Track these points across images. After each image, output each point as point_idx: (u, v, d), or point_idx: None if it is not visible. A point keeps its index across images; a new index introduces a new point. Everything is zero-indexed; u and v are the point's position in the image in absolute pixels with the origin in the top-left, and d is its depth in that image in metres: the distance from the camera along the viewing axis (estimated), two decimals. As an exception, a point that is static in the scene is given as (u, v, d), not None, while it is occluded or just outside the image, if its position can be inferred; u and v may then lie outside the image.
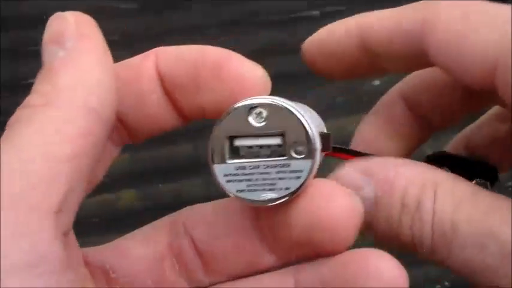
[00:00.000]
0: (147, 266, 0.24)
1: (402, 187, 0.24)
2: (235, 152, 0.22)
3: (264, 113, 0.22)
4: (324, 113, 0.52)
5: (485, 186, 0.28)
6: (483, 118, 0.30)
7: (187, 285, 0.24)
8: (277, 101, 0.22)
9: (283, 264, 0.24)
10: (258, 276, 0.24)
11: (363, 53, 0.27)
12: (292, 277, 0.23)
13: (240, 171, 0.22)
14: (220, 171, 0.22)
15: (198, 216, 0.25)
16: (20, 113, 0.20)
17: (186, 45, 0.24)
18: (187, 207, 0.25)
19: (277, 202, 0.22)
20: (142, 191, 0.49)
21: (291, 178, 0.22)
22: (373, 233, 0.24)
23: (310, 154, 0.22)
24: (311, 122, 0.22)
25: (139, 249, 0.25)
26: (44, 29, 0.22)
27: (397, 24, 0.26)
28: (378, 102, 0.31)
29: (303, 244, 0.23)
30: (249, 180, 0.22)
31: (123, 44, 0.63)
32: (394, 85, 0.45)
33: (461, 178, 0.24)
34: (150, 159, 0.50)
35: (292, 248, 0.23)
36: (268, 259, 0.24)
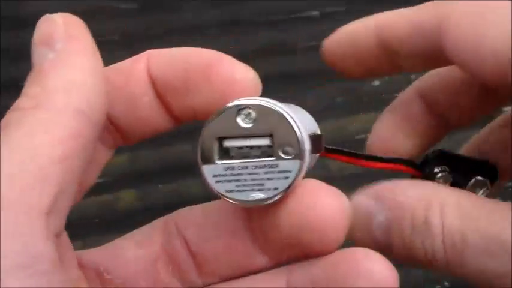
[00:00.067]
0: (141, 267, 0.24)
1: (410, 209, 0.24)
2: (224, 153, 0.22)
3: (253, 114, 0.22)
4: (323, 113, 0.52)
5: (485, 185, 0.28)
6: (492, 124, 0.31)
7: (181, 286, 0.25)
8: (265, 102, 0.22)
9: (275, 264, 0.24)
10: (250, 277, 0.24)
11: (381, 51, 0.27)
12: (284, 277, 0.24)
13: (228, 172, 0.22)
14: (209, 171, 0.22)
15: (190, 218, 0.25)
16: (10, 116, 0.20)
17: (177, 47, 0.24)
18: (181, 208, 0.26)
19: (265, 202, 0.22)
20: (142, 191, 0.49)
21: (279, 178, 0.22)
22: (392, 256, 0.25)
23: (298, 155, 0.22)
24: (300, 123, 0.22)
25: (133, 250, 0.25)
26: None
27: (415, 21, 0.26)
28: (395, 100, 0.31)
29: (292, 245, 0.23)
30: (237, 180, 0.22)
31: (123, 44, 0.63)
32: (393, 86, 0.45)
33: (465, 192, 0.24)
34: (150, 160, 0.50)
35: (282, 249, 0.23)
36: (260, 260, 0.24)
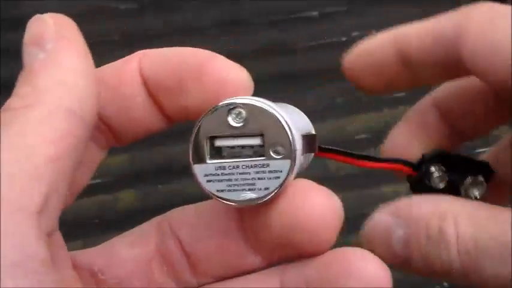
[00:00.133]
0: (136, 267, 0.24)
1: (425, 221, 0.25)
2: (216, 152, 0.22)
3: (244, 113, 0.22)
4: (323, 113, 0.52)
5: (480, 184, 0.29)
6: (502, 142, 0.31)
7: (175, 286, 0.25)
8: (256, 101, 0.22)
9: (268, 264, 0.24)
10: (243, 277, 0.24)
11: (400, 63, 0.28)
12: (278, 278, 0.24)
13: (220, 171, 0.22)
14: (200, 171, 0.22)
15: (183, 218, 0.25)
16: (1, 116, 0.20)
17: (169, 47, 0.24)
18: (175, 208, 0.26)
19: (256, 202, 0.22)
20: (141, 191, 0.49)
21: (270, 178, 0.22)
22: (412, 270, 0.25)
23: (289, 154, 0.22)
24: (292, 122, 0.22)
25: (128, 250, 0.25)
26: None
27: (433, 31, 0.27)
28: (412, 109, 0.31)
29: (284, 245, 0.23)
30: (229, 180, 0.22)
31: (123, 44, 0.63)
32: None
33: (478, 202, 0.25)
34: (150, 160, 0.50)
35: (274, 249, 0.23)
36: (253, 260, 0.24)
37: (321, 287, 0.22)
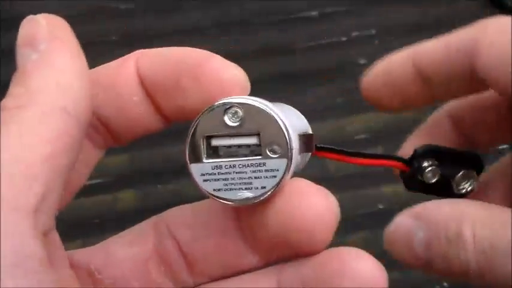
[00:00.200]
0: (133, 267, 0.24)
1: (445, 223, 0.25)
2: (212, 152, 0.22)
3: (240, 113, 0.22)
4: (323, 113, 0.53)
5: (472, 177, 0.29)
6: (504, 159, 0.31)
7: (173, 285, 0.25)
8: (252, 101, 0.22)
9: (266, 264, 0.24)
10: (240, 276, 0.24)
11: (418, 81, 0.28)
12: (275, 277, 0.24)
13: (216, 171, 0.22)
14: (197, 170, 0.22)
15: (181, 217, 0.25)
16: None
17: (166, 47, 0.24)
18: (172, 208, 0.26)
19: (253, 201, 0.22)
20: (141, 191, 0.49)
21: (266, 177, 0.22)
22: (434, 272, 0.26)
23: (285, 153, 0.22)
24: (288, 121, 0.22)
25: (125, 250, 0.25)
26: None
27: (449, 45, 0.27)
28: (427, 120, 0.32)
29: (280, 244, 0.23)
30: (225, 179, 0.22)
31: (123, 44, 0.63)
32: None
33: (495, 205, 0.25)
34: (149, 160, 0.50)
35: (272, 248, 0.23)
36: (251, 259, 0.24)
37: (317, 286, 0.22)
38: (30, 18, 0.22)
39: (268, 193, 0.22)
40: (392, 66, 0.29)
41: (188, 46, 0.24)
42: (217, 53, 0.24)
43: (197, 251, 0.24)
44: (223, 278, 0.24)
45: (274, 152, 0.22)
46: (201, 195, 0.24)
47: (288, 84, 0.55)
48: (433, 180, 0.29)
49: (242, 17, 0.59)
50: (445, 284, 0.44)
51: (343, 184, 0.48)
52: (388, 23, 0.57)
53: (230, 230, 0.24)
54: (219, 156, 0.22)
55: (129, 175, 0.50)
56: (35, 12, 0.23)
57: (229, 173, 0.22)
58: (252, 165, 0.22)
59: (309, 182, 0.23)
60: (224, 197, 0.22)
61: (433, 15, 0.58)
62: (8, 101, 0.21)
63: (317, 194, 0.22)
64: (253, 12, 0.59)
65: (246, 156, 0.22)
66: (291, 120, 0.23)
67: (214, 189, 0.22)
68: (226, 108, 0.22)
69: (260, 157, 0.22)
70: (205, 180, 0.22)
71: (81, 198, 0.48)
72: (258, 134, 0.22)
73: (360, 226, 0.46)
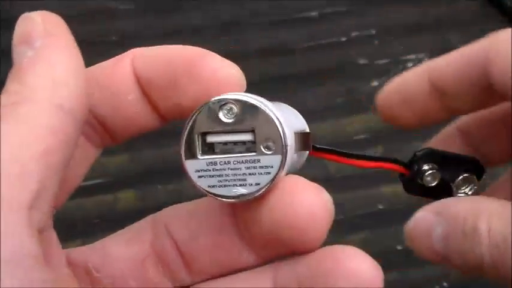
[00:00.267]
0: (130, 266, 0.25)
1: (462, 218, 0.26)
2: (207, 148, 0.22)
3: (235, 109, 0.22)
4: (323, 113, 0.52)
5: (472, 181, 0.29)
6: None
7: (171, 284, 0.25)
8: (246, 97, 0.22)
9: (263, 262, 0.24)
10: (237, 275, 0.24)
11: (434, 95, 0.29)
12: (271, 275, 0.24)
13: (211, 167, 0.22)
14: (191, 167, 0.22)
15: (178, 216, 0.25)
16: None
17: (162, 45, 0.24)
18: (169, 206, 0.26)
19: (247, 198, 0.22)
20: (141, 191, 0.49)
21: (261, 174, 0.22)
22: (451, 267, 0.26)
23: (279, 150, 0.22)
24: (283, 118, 0.22)
25: (122, 249, 0.25)
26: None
27: (463, 57, 0.28)
28: (439, 133, 0.33)
29: (275, 241, 0.23)
30: (220, 175, 0.22)
31: (122, 44, 0.63)
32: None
33: (508, 202, 0.26)
34: (149, 160, 0.50)
35: (267, 246, 0.24)
36: (248, 257, 0.24)
37: (312, 285, 0.22)
38: (25, 16, 0.22)
39: (263, 190, 0.22)
40: (408, 82, 0.30)
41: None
42: (217, 53, 0.24)
43: (194, 249, 0.24)
44: (220, 276, 0.24)
45: (269, 149, 0.22)
46: (200, 196, 0.24)
47: (288, 84, 0.55)
48: (433, 184, 0.29)
49: (242, 17, 0.59)
50: (445, 284, 0.44)
51: (343, 184, 0.48)
52: (388, 23, 0.57)
53: (227, 228, 0.24)
54: (214, 153, 0.22)
55: (129, 175, 0.50)
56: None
57: (224, 170, 0.22)
58: (246, 161, 0.22)
59: (303, 179, 0.23)
60: (219, 193, 0.22)
61: (433, 15, 0.58)
62: (3, 97, 0.21)
63: (310, 191, 0.22)
64: (253, 12, 0.59)
65: (241, 153, 0.22)
66: (288, 118, 0.23)
67: (209, 186, 0.22)
68: (221, 104, 0.22)
69: (255, 153, 0.22)
70: (200, 177, 0.22)
71: (81, 198, 0.48)
72: (253, 131, 0.22)
73: (360, 226, 0.46)
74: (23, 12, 0.22)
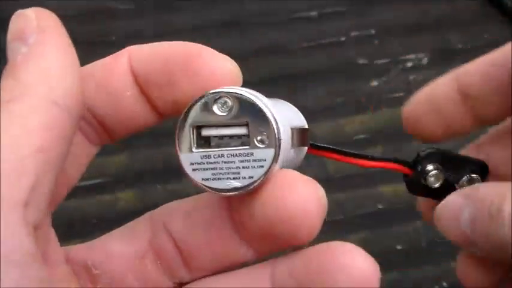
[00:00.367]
0: (129, 263, 0.25)
1: (489, 201, 0.26)
2: (202, 141, 0.23)
3: (229, 103, 0.22)
4: (323, 113, 0.52)
5: (477, 181, 0.29)
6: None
7: (170, 281, 0.25)
8: (240, 91, 0.22)
9: (261, 256, 0.24)
10: (234, 272, 0.24)
11: (464, 104, 0.29)
12: (269, 271, 0.24)
13: (205, 160, 0.22)
14: (186, 159, 0.23)
15: (175, 212, 0.25)
16: None
17: (158, 42, 0.24)
18: (166, 203, 0.26)
19: (240, 191, 0.22)
20: (141, 191, 0.49)
21: (254, 167, 0.22)
22: (478, 250, 0.27)
23: (272, 143, 0.22)
24: (278, 113, 0.22)
25: (121, 246, 0.25)
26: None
27: (490, 61, 0.28)
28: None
29: (268, 236, 0.23)
30: (214, 169, 0.22)
31: (122, 44, 0.63)
32: (392, 86, 0.45)
33: None
34: (149, 160, 0.50)
35: (262, 240, 0.24)
36: (245, 252, 0.24)
37: (309, 281, 0.23)
38: (19, 12, 0.22)
39: (256, 183, 0.22)
40: (436, 92, 0.30)
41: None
42: (217, 53, 0.24)
43: (192, 245, 0.24)
44: (219, 272, 0.24)
45: (262, 142, 0.22)
46: (197, 192, 0.24)
47: (288, 84, 0.55)
48: (437, 185, 0.29)
49: (242, 17, 0.59)
50: (445, 284, 0.44)
51: (343, 184, 0.48)
52: (387, 23, 0.57)
53: (224, 224, 0.24)
54: (208, 146, 0.23)
55: (129, 175, 0.50)
56: (35, 11, 0.23)
57: (218, 163, 0.22)
58: (240, 155, 0.22)
59: (296, 173, 0.23)
60: (213, 186, 0.22)
61: (433, 15, 0.58)
62: None
63: (302, 184, 0.22)
64: (253, 12, 0.59)
65: (236, 147, 0.22)
66: (284, 114, 0.23)
67: (203, 179, 0.22)
68: (216, 98, 0.22)
69: (248, 147, 0.22)
70: (194, 170, 0.23)
71: (80, 198, 0.48)
72: (247, 125, 0.22)
73: (360, 226, 0.46)
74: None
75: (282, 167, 0.23)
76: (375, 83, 0.54)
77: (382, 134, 0.52)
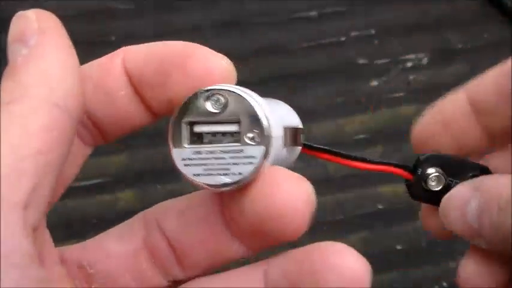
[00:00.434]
0: (124, 262, 0.25)
1: (498, 192, 0.26)
2: (194, 137, 0.23)
3: (222, 100, 0.23)
4: (323, 113, 0.52)
5: None
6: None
7: (164, 279, 0.25)
8: (233, 88, 0.23)
9: (254, 253, 0.25)
10: (228, 272, 0.25)
11: (476, 121, 0.29)
12: (262, 271, 0.24)
13: (196, 156, 0.23)
14: (178, 155, 0.23)
15: (168, 211, 0.25)
16: None
17: (153, 42, 0.24)
18: (160, 202, 0.26)
19: (230, 187, 0.23)
20: (141, 191, 0.49)
21: (244, 164, 0.22)
22: (483, 241, 0.26)
23: (262, 141, 0.22)
24: (270, 111, 0.23)
25: (116, 245, 0.25)
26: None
27: (501, 75, 0.28)
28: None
29: (258, 232, 0.23)
30: (205, 164, 0.23)
31: (122, 44, 0.63)
32: (392, 86, 0.45)
33: None
34: (149, 160, 0.50)
35: (254, 237, 0.24)
36: (237, 249, 0.24)
37: (301, 280, 0.23)
38: (20, 14, 0.22)
39: (245, 179, 0.22)
40: (447, 110, 0.29)
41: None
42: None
43: (185, 243, 0.24)
44: (212, 269, 0.25)
45: (253, 140, 0.23)
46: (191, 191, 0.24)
47: (288, 84, 0.55)
48: (438, 188, 0.29)
49: (242, 17, 0.59)
50: (445, 284, 0.44)
51: (343, 184, 0.48)
52: (387, 23, 0.57)
53: (216, 221, 0.24)
54: (200, 142, 0.23)
55: (129, 175, 0.50)
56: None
57: (209, 159, 0.23)
58: (230, 151, 0.23)
59: (285, 169, 0.23)
60: (203, 181, 0.23)
61: (433, 15, 0.58)
62: None
63: (290, 181, 0.22)
64: (253, 12, 0.59)
65: (227, 143, 0.23)
66: (277, 113, 0.23)
67: (194, 174, 0.23)
68: (209, 95, 0.23)
69: (239, 144, 0.22)
70: (185, 165, 0.23)
71: (80, 199, 0.48)
72: (238, 122, 0.23)
73: (360, 226, 0.46)
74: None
75: (272, 163, 0.23)
76: (374, 83, 0.54)
77: (382, 134, 0.52)
